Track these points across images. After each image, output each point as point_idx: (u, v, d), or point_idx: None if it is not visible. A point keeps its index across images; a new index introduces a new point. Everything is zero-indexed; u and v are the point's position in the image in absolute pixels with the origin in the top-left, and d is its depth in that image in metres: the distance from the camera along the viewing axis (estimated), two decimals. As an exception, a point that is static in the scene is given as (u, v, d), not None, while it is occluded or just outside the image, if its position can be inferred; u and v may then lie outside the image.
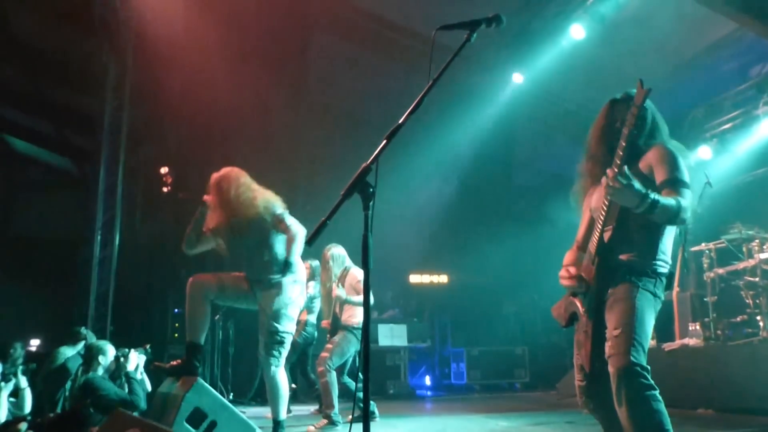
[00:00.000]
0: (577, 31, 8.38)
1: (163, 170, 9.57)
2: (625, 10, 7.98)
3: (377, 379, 9.21)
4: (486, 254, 10.84)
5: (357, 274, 6.09)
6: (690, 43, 8.59)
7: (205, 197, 4.42)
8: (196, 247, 4.51)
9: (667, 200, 2.55)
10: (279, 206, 4.38)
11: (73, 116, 10.64)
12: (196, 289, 4.24)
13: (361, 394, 2.08)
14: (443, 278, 11.74)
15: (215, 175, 4.43)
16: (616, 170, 2.52)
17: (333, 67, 10.40)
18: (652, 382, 2.52)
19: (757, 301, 6.46)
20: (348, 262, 6.25)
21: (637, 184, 2.50)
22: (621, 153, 2.57)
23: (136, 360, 5.06)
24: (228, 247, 4.49)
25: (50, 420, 3.80)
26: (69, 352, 5.50)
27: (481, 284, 11.49)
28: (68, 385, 5.07)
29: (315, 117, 10.64)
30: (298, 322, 6.98)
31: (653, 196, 2.51)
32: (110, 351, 5.04)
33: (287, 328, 4.28)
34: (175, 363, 4.18)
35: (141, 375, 5.19)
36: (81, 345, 5.62)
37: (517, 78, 9.78)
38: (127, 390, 4.78)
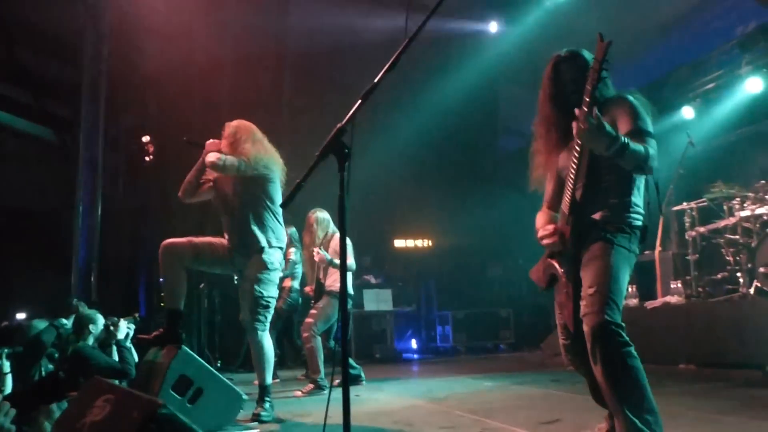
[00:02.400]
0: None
1: (145, 139, 9.46)
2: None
3: (363, 344, 9.27)
4: (470, 218, 10.85)
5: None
6: (674, 2, 8.51)
7: (213, 142, 4.35)
8: (194, 196, 4.44)
9: (636, 145, 2.53)
10: (277, 170, 4.37)
11: (52, 85, 10.44)
12: (168, 254, 4.16)
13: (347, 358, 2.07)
14: (428, 242, 11.77)
15: (233, 123, 4.42)
16: (585, 110, 2.46)
17: (314, 30, 10.23)
18: (627, 338, 2.53)
19: (738, 258, 6.53)
20: (332, 226, 6.23)
21: (607, 125, 2.47)
22: (588, 99, 2.51)
23: (125, 328, 5.02)
24: (221, 202, 4.43)
25: (26, 389, 3.77)
26: (41, 325, 5.42)
27: (466, 248, 11.54)
28: (44, 360, 4.99)
29: (297, 84, 10.51)
30: (282, 289, 7.00)
31: (624, 138, 2.49)
32: (100, 320, 5.00)
33: (271, 292, 4.26)
34: (157, 333, 4.15)
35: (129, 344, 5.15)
36: (70, 319, 5.54)
37: (493, 27, 9.64)
38: (118, 359, 4.75)
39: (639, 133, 2.63)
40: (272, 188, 4.34)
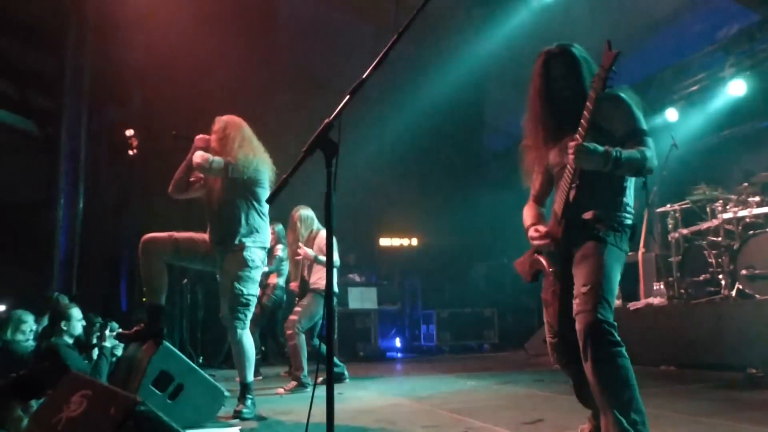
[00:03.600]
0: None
1: (128, 133, 9.32)
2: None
3: (347, 342, 9.25)
4: (456, 217, 10.87)
5: (325, 236, 6.04)
6: (659, 5, 8.56)
7: (202, 137, 4.30)
8: (184, 192, 4.39)
9: (630, 153, 2.55)
10: (266, 171, 4.32)
11: (35, 77, 10.29)
12: (148, 248, 4.09)
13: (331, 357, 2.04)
14: (413, 241, 11.77)
15: (223, 118, 4.37)
16: (579, 139, 2.51)
17: (302, 30, 10.20)
18: (619, 338, 2.54)
19: (720, 260, 6.58)
20: (317, 223, 6.20)
21: (599, 148, 2.49)
22: (585, 124, 2.54)
23: (113, 341, 4.87)
24: (207, 198, 4.37)
25: (6, 383, 3.70)
26: (25, 316, 5.30)
27: (451, 247, 11.55)
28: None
29: (284, 81, 10.44)
30: (267, 286, 6.96)
31: (615, 153, 2.51)
32: (76, 317, 4.90)
33: (252, 290, 4.21)
34: (138, 328, 4.10)
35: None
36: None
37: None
38: (93, 363, 4.65)
39: (636, 135, 2.65)
40: (260, 189, 4.30)
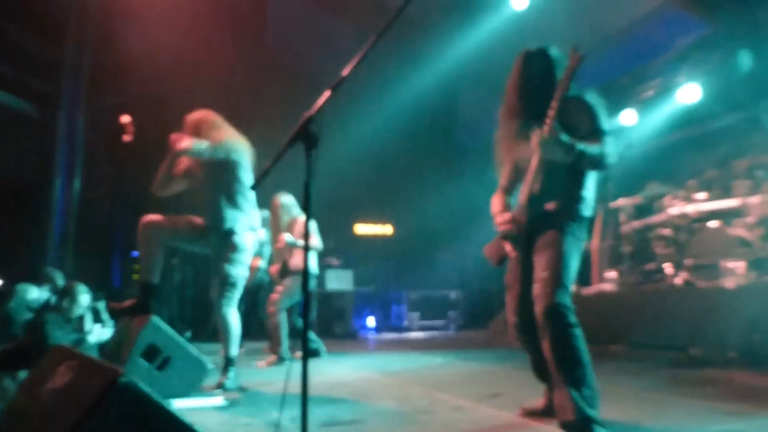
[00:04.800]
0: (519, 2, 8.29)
1: (125, 119, 9.13)
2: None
3: (324, 321, 9.24)
4: (427, 207, 10.90)
5: (304, 221, 6.00)
6: (619, 15, 8.60)
7: (177, 135, 4.21)
8: (166, 189, 4.30)
9: (592, 148, 2.61)
10: (244, 152, 4.24)
11: (35, 60, 10.02)
12: (148, 229, 4.05)
13: (308, 334, 2.04)
14: (388, 229, 11.80)
15: (193, 116, 4.27)
16: (546, 130, 2.53)
17: (290, 28, 10.08)
18: (575, 320, 2.58)
19: (667, 251, 6.67)
20: (296, 209, 6.15)
21: (564, 138, 2.53)
22: (552, 114, 2.57)
23: (99, 335, 4.74)
24: (193, 188, 4.30)
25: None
26: (29, 290, 5.18)
27: (422, 234, 11.60)
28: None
29: (272, 75, 10.32)
30: (250, 268, 6.90)
31: (579, 147, 2.55)
32: (81, 301, 4.72)
33: (240, 272, 4.17)
34: (129, 302, 4.05)
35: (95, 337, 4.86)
36: (45, 287, 5.31)
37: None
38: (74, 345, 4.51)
39: (597, 133, 2.70)
40: (241, 171, 4.23)
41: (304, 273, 1.99)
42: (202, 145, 4.05)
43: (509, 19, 8.73)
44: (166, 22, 8.50)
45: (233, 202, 4.19)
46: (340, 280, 9.76)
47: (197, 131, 4.18)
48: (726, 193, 6.42)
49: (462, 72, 10.46)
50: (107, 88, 9.78)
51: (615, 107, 8.86)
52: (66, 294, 4.62)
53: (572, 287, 2.69)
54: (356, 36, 9.51)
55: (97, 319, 4.80)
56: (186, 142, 4.03)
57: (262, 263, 7.05)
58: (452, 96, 11.82)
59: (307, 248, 2.07)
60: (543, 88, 2.71)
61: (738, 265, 5.72)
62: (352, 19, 9.69)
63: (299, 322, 6.09)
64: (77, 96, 8.18)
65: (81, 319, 4.75)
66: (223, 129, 4.24)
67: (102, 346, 4.44)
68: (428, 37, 9.89)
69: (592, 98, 2.80)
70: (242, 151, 4.26)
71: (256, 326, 7.89)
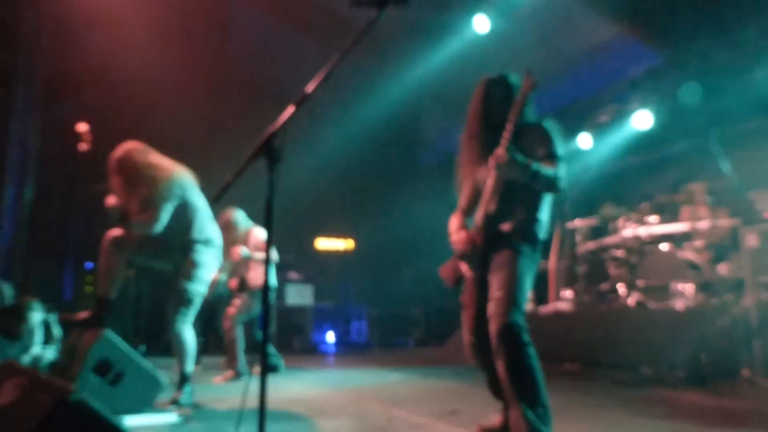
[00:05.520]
0: (481, 24, 8.44)
1: (82, 127, 8.91)
2: (521, 10, 8.13)
3: (284, 335, 9.14)
4: (388, 224, 10.93)
5: (259, 234, 5.93)
6: (577, 43, 8.85)
7: (110, 199, 4.04)
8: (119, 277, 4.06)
9: (546, 170, 2.70)
10: (183, 185, 4.04)
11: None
12: (112, 244, 3.94)
13: (267, 349, 2.02)
14: (349, 244, 11.77)
15: (115, 156, 4.03)
16: (504, 150, 2.63)
17: (253, 41, 10.05)
18: (528, 339, 2.62)
19: (620, 272, 6.82)
20: (246, 223, 6.06)
21: (521, 158, 2.62)
22: (508, 135, 2.68)
23: (38, 354, 4.53)
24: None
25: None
26: None
27: (383, 251, 11.60)
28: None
29: (237, 90, 10.25)
30: (210, 282, 6.79)
31: (534, 167, 2.65)
32: (34, 316, 4.51)
33: (198, 288, 4.09)
34: (82, 315, 3.92)
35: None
36: None
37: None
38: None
39: (551, 158, 2.79)
40: (191, 199, 4.07)
41: (265, 287, 1.98)
42: (141, 227, 3.90)
43: (471, 42, 8.89)
44: (125, 32, 8.38)
45: (191, 220, 4.10)
46: (300, 295, 9.68)
47: (128, 184, 3.97)
48: (676, 217, 6.62)
49: (425, 91, 10.58)
50: (63, 96, 9.56)
51: (572, 131, 9.08)
52: (15, 310, 4.44)
53: (526, 306, 2.74)
54: (319, 50, 9.53)
55: (48, 333, 4.63)
56: (119, 234, 3.92)
57: (222, 276, 6.94)
58: (415, 114, 11.94)
59: (268, 261, 2.06)
60: (503, 114, 2.80)
61: (687, 287, 5.89)
62: (316, 34, 9.72)
63: (260, 335, 6.00)
64: (30, 103, 7.95)
65: (30, 334, 4.57)
66: (145, 177, 3.97)
67: (52, 362, 4.28)
68: (393, 56, 9.99)
69: (550, 125, 2.90)
70: (187, 183, 4.09)
71: (214, 341, 7.76)
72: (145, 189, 3.94)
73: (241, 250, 5.73)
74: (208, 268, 4.16)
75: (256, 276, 5.89)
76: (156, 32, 8.44)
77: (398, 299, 11.02)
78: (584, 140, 9.07)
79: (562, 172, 2.76)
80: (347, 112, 10.08)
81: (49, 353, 4.39)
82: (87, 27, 8.39)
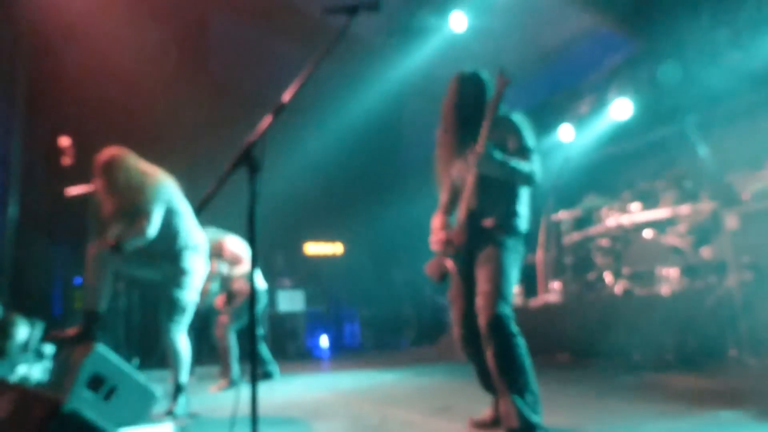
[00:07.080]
0: (458, 21, 8.48)
1: (64, 141, 8.86)
2: (497, 4, 8.19)
3: (277, 342, 9.15)
4: (377, 225, 10.96)
5: (232, 245, 5.91)
6: (553, 35, 8.92)
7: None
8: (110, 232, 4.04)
9: (522, 165, 2.78)
10: (167, 192, 4.03)
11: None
12: (97, 256, 3.90)
13: (260, 355, 2.05)
14: (338, 248, 11.79)
15: (100, 161, 4.00)
16: (481, 147, 2.70)
17: (233, 48, 10.05)
18: (516, 330, 2.68)
19: (605, 260, 6.90)
20: (217, 234, 5.97)
21: (498, 155, 2.69)
22: (485, 133, 2.73)
23: (27, 372, 4.52)
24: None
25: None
26: None
27: (373, 253, 11.64)
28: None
29: (218, 97, 10.24)
30: (202, 291, 6.79)
31: (511, 163, 2.71)
32: (19, 331, 4.50)
33: (190, 296, 4.09)
34: (72, 330, 3.92)
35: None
36: None
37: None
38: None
39: (524, 151, 2.86)
40: (176, 205, 4.08)
41: (252, 294, 2.01)
42: (131, 240, 3.90)
43: (450, 40, 8.95)
44: (107, 42, 8.34)
45: (178, 229, 4.11)
46: (291, 301, 9.69)
47: (107, 178, 3.96)
48: (658, 204, 6.70)
49: (406, 90, 10.63)
50: (46, 110, 9.50)
51: (552, 123, 9.16)
52: (1, 328, 4.43)
53: (516, 300, 2.81)
54: (298, 54, 9.54)
55: (38, 350, 4.63)
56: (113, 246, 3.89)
57: (213, 286, 6.95)
58: (397, 114, 11.99)
59: (252, 276, 2.07)
60: (476, 108, 2.88)
61: (672, 272, 5.97)
62: (294, 38, 9.73)
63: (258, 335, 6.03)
64: (11, 117, 7.90)
65: (17, 351, 4.56)
66: (140, 173, 4.00)
67: (41, 380, 4.28)
68: (372, 56, 10.03)
69: (518, 119, 2.97)
70: (172, 189, 4.10)
71: (207, 351, 7.75)
72: (134, 195, 3.93)
73: (220, 266, 5.77)
74: (198, 274, 4.18)
75: (242, 284, 5.89)
76: (138, 42, 8.41)
77: (390, 300, 11.07)
78: (566, 132, 9.16)
79: (537, 165, 2.83)
80: (331, 117, 10.10)
81: (37, 372, 4.38)
82: (65, 41, 8.35)
